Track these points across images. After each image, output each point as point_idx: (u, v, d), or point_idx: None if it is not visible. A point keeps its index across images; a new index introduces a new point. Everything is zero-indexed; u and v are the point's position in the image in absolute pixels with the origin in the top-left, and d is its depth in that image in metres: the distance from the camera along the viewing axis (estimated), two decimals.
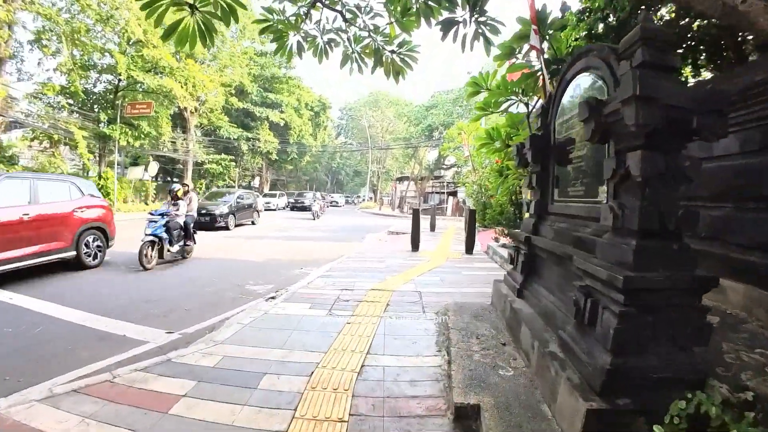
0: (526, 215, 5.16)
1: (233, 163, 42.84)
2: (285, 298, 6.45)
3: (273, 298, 6.52)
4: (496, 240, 10.98)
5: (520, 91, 5.69)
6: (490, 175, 18.38)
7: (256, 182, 56.65)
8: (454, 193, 41.06)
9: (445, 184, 43.46)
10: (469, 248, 11.04)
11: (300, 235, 17.38)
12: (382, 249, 12.57)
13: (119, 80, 30.60)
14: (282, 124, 45.40)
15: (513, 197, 10.89)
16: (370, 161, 51.55)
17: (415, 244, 11.42)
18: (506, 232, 10.78)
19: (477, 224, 11.68)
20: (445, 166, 48.56)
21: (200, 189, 40.84)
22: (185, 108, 36.34)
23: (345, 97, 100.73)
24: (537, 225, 4.55)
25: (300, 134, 49.87)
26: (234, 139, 42.54)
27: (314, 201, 30.48)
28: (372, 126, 59.07)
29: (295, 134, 48.82)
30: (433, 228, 17.82)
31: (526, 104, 5.79)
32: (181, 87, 32.12)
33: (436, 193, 42.63)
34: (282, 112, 46.05)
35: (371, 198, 62.59)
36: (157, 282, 7.94)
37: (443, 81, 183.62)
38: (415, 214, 11.56)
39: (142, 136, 32.70)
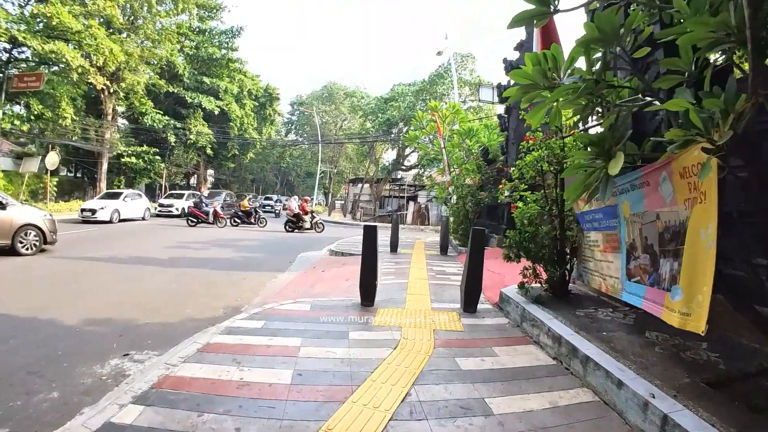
0: None
1: (159, 158, 36.49)
2: None
3: None
4: (522, 287, 5.84)
5: None
6: (468, 173, 13.43)
7: (193, 182, 50.38)
8: (414, 198, 36.20)
9: (404, 187, 38.45)
10: (471, 302, 5.86)
11: (186, 257, 11.71)
12: (309, 294, 7.38)
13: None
14: (217, 113, 39.14)
15: (554, 211, 5.84)
16: (320, 160, 45.92)
17: (368, 293, 6.08)
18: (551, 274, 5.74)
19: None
20: (404, 167, 43.67)
21: (118, 186, 34.75)
22: (102, 89, 30.31)
23: (299, 90, 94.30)
24: None
25: (242, 127, 43.90)
26: (160, 128, 36.20)
27: (208, 203, 23.96)
28: (326, 123, 53.70)
29: (235, 127, 42.77)
30: (394, 248, 12.53)
31: None
32: (86, 57, 26.30)
33: (394, 197, 37.45)
34: (219, 99, 39.99)
35: (321, 202, 57.00)
36: None
37: (406, 74, 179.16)
38: (370, 236, 5.97)
39: (32, 117, 26.48)
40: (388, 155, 48.00)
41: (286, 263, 11.10)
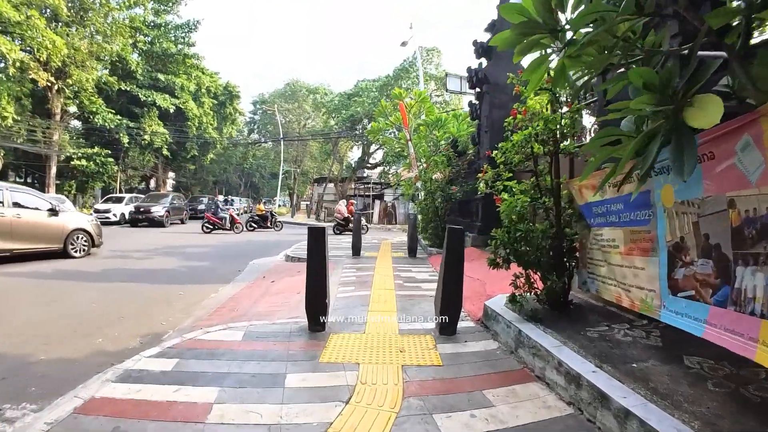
0: None
1: (112, 160, 34.25)
2: None
3: None
4: (515, 300, 4.64)
5: None
6: (437, 166, 12.29)
7: (152, 185, 47.91)
8: (380, 196, 35.03)
9: (370, 185, 37.22)
10: (449, 322, 4.58)
11: (124, 268, 10.19)
12: (249, 314, 6.08)
13: None
14: (173, 111, 37.09)
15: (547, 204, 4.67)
16: (283, 159, 44.32)
17: (317, 316, 4.65)
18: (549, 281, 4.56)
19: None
20: (369, 165, 42.37)
21: (68, 191, 32.57)
22: (47, 87, 28.34)
23: (261, 89, 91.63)
24: None
25: (201, 127, 41.85)
26: (112, 128, 33.93)
27: (225, 208, 21.63)
28: (289, 122, 51.95)
29: (194, 126, 40.66)
30: (357, 251, 11.23)
31: None
32: (29, 52, 24.30)
33: (360, 196, 36.17)
34: (176, 97, 37.87)
35: (286, 203, 55.18)
36: None
37: (369, 70, 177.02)
38: (317, 243, 4.61)
39: None
40: (354, 154, 46.78)
41: (234, 272, 9.71)
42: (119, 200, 26.83)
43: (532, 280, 4.61)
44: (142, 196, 30.61)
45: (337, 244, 13.48)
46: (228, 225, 20.59)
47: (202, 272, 9.79)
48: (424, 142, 15.05)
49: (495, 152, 5.21)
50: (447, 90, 19.17)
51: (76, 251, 11.11)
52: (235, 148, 61.61)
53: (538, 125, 4.55)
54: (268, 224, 22.46)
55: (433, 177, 12.28)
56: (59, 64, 27.21)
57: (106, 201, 27.27)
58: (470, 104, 12.60)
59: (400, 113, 14.80)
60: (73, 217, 11.53)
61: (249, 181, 78.39)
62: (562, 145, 4.70)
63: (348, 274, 8.34)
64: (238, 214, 35.60)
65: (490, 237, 4.73)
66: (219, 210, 21.01)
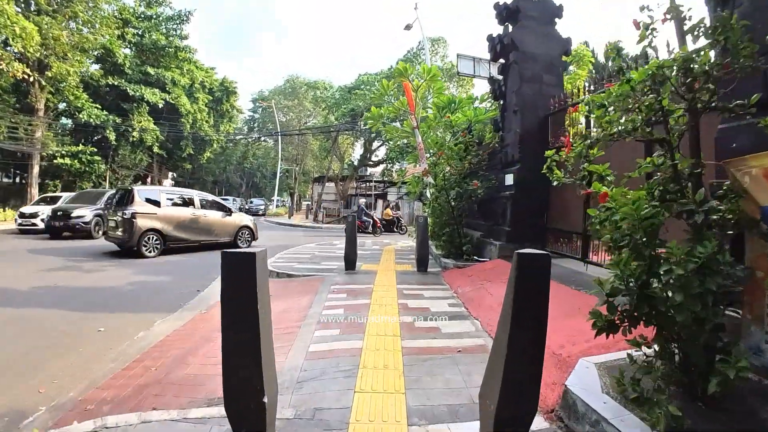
0: None
1: (99, 158, 32.13)
2: None
3: None
4: (646, 402, 2.35)
5: None
6: (452, 155, 9.92)
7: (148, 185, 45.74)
8: (383, 196, 32.79)
9: (372, 184, 34.99)
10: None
11: (58, 286, 7.87)
12: (168, 387, 3.86)
13: None
14: (161, 106, 34.91)
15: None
16: (281, 157, 42.16)
17: (242, 419, 2.44)
18: None
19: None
20: (371, 163, 39.95)
21: (53, 191, 30.52)
22: (28, 81, 26.44)
23: (255, 85, 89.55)
24: None
25: (196, 124, 39.77)
26: (97, 124, 31.76)
27: (370, 213, 24.10)
28: (289, 120, 49.70)
29: (188, 123, 38.52)
30: (351, 264, 8.87)
31: None
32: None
33: (361, 195, 33.84)
34: (167, 92, 35.67)
35: (285, 203, 52.73)
36: None
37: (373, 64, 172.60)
38: (240, 286, 2.16)
39: None
40: (356, 152, 44.55)
41: (191, 293, 7.48)
42: (54, 200, 19.31)
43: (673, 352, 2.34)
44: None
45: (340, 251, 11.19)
46: (371, 229, 22.22)
47: (151, 292, 7.55)
48: (431, 132, 12.78)
49: (574, 114, 2.92)
50: (458, 73, 16.73)
51: (242, 243, 14.11)
52: (234, 146, 59.67)
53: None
54: (394, 228, 24.05)
55: (447, 170, 9.82)
56: (36, 55, 25.11)
57: (38, 202, 20.16)
58: (491, 81, 10.33)
59: (404, 96, 12.44)
60: (241, 218, 14.81)
61: (250, 181, 76.29)
62: (706, 97, 2.44)
63: (333, 303, 6.01)
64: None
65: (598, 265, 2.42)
66: (363, 214, 22.33)
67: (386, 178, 34.67)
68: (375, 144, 39.08)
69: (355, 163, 41.20)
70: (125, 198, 12.21)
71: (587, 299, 4.55)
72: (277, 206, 46.78)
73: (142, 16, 35.81)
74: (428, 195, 11.91)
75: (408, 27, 21.59)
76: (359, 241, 12.61)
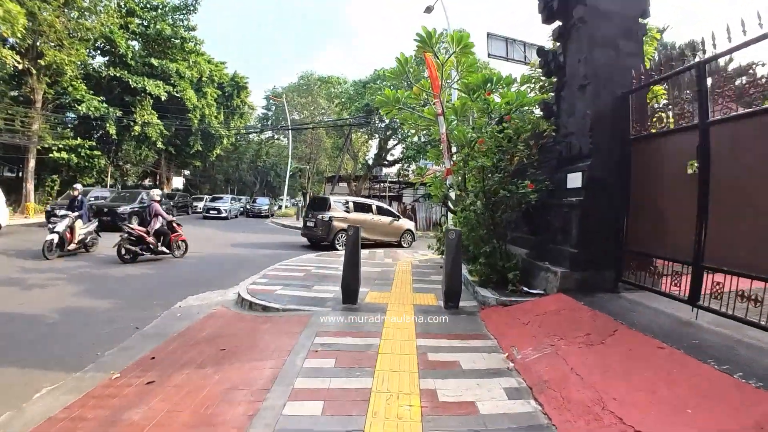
0: None
1: (99, 153, 30.31)
2: None
3: None
4: None
5: None
6: (492, 147, 7.25)
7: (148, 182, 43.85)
8: (398, 198, 30.63)
9: (387, 185, 32.82)
10: None
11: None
12: None
13: None
14: (164, 99, 32.97)
15: None
16: (290, 155, 40.08)
17: None
18: None
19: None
20: (386, 162, 37.67)
21: (50, 187, 28.91)
22: (26, 71, 25.06)
23: (265, 80, 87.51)
24: None
25: (205, 120, 37.88)
26: (97, 117, 29.82)
27: None
28: (303, 117, 47.62)
29: (195, 118, 36.57)
30: (352, 295, 6.32)
31: None
32: None
33: (375, 196, 31.63)
34: (171, 85, 33.66)
35: (297, 203, 50.47)
36: None
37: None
38: None
39: None
40: (370, 151, 42.38)
41: (126, 330, 5.17)
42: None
43: None
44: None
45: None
46: None
47: (76, 324, 5.22)
48: (458, 122, 10.36)
49: None
50: (489, 55, 14.23)
51: (405, 243, 17.00)
52: (247, 145, 57.92)
53: None
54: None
55: (488, 166, 7.03)
56: (27, 41, 23.39)
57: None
58: (540, 53, 7.85)
59: (427, 75, 9.92)
60: (405, 222, 17.81)
61: (264, 180, 74.31)
62: None
63: (309, 385, 3.55)
64: (235, 216, 31.37)
65: None
66: None
67: (402, 179, 32.45)
68: (391, 142, 36.83)
69: (370, 162, 38.99)
70: (323, 204, 15.33)
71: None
72: (286, 206, 44.47)
73: (147, 6, 33.98)
74: (452, 197, 9.53)
75: (429, 9, 19.14)
76: (368, 251, 10.77)
